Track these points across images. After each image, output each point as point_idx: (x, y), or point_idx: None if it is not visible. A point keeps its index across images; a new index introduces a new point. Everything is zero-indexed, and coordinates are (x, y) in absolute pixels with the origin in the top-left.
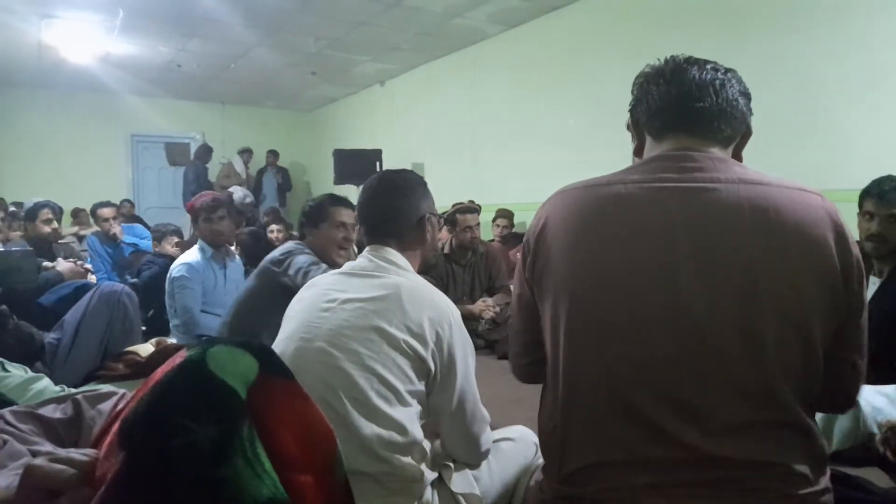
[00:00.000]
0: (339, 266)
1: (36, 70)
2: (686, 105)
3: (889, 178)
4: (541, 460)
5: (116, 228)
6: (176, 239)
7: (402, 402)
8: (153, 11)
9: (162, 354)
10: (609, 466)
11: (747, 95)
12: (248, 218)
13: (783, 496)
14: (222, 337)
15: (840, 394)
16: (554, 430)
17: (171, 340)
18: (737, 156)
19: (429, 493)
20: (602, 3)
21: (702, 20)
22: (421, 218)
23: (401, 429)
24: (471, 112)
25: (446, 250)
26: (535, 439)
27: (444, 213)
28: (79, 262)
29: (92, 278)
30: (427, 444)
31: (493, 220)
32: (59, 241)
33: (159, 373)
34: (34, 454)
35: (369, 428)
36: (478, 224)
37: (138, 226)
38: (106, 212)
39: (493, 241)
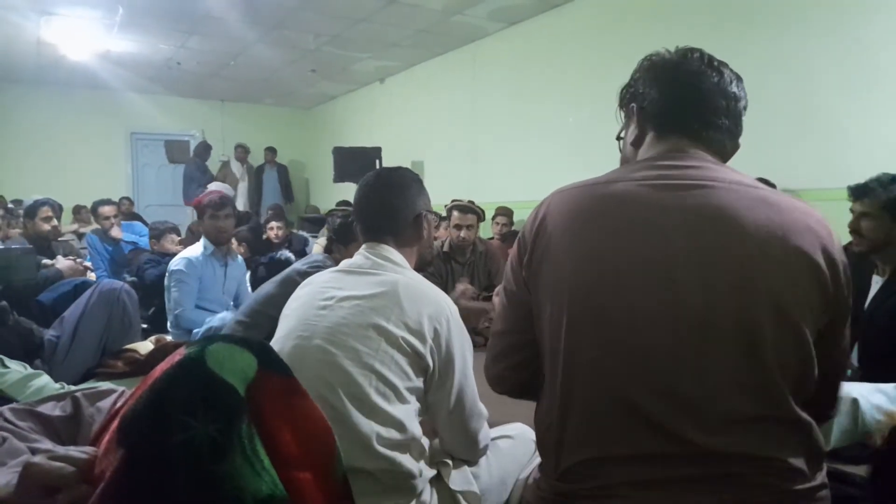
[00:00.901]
0: None
1: (35, 67)
2: (701, 115)
3: (876, 176)
4: (539, 458)
5: (116, 230)
6: (176, 237)
7: (401, 399)
8: (153, 8)
9: (161, 352)
10: (606, 461)
11: (745, 108)
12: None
13: (780, 491)
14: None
15: (831, 396)
16: (551, 426)
17: (171, 338)
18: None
19: (427, 490)
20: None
21: (701, 17)
22: (417, 215)
23: (399, 426)
24: (470, 110)
25: (445, 248)
26: (534, 437)
27: (446, 210)
28: (78, 260)
29: (91, 276)
30: (426, 442)
31: (493, 219)
32: (59, 239)
33: (158, 370)
34: (33, 451)
35: (368, 425)
36: (471, 226)
37: (137, 223)
38: (107, 210)
39: (492, 239)
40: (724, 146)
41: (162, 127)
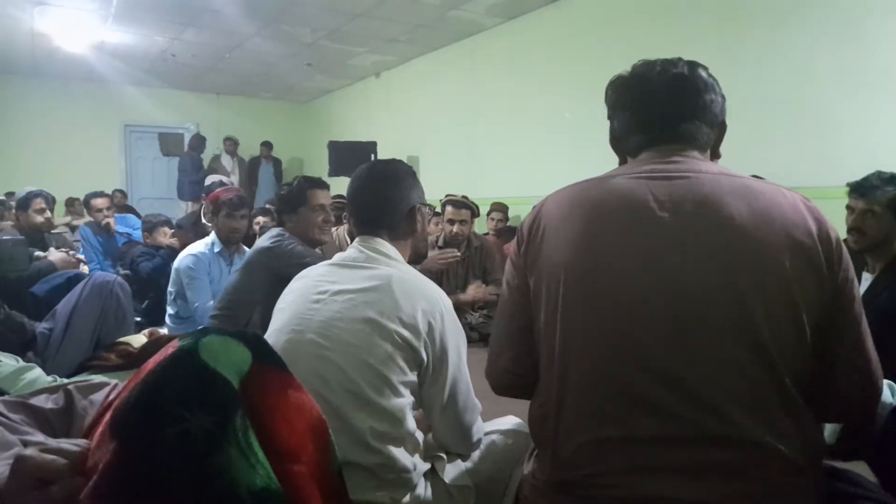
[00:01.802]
0: (325, 243)
1: (29, 59)
2: (672, 121)
3: (875, 173)
4: (533, 452)
5: (110, 219)
6: (168, 230)
7: (395, 394)
8: (148, 0)
9: (154, 345)
10: (602, 445)
11: (715, 88)
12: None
13: (778, 482)
14: (217, 326)
15: (848, 402)
16: (547, 416)
17: (165, 331)
18: (715, 153)
19: (422, 484)
20: None
21: (698, 13)
22: (411, 208)
23: (394, 420)
24: (466, 105)
25: (440, 243)
26: (528, 430)
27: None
28: (71, 252)
29: (84, 268)
30: (420, 436)
31: (488, 214)
32: (52, 231)
33: (151, 363)
34: (25, 444)
35: (362, 419)
36: (464, 221)
37: (131, 216)
38: (99, 202)
39: (487, 234)
40: (703, 139)
41: (156, 120)
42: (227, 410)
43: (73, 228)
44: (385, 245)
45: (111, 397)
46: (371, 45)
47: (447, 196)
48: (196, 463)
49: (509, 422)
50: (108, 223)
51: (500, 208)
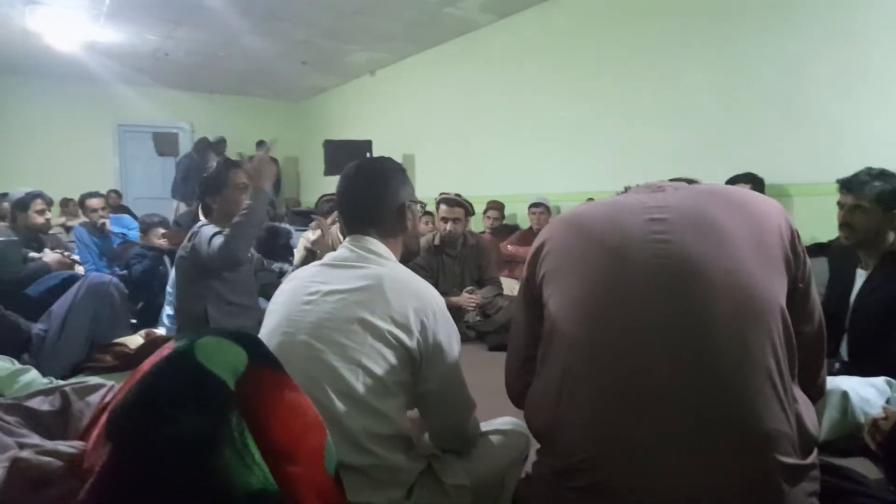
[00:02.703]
0: None
1: (20, 57)
2: None
3: (865, 169)
4: (533, 451)
5: (105, 220)
6: (161, 230)
7: (389, 394)
8: None
9: (151, 346)
10: (604, 440)
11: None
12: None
13: (775, 465)
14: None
15: (802, 371)
16: (547, 407)
17: (161, 332)
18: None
19: (418, 484)
20: None
21: (694, 12)
22: (401, 205)
23: (388, 420)
24: (462, 103)
25: (436, 242)
26: (527, 430)
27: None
28: (66, 253)
29: (79, 269)
30: (414, 436)
31: (484, 212)
32: (47, 232)
33: (147, 364)
34: (21, 446)
35: (356, 420)
36: (458, 219)
37: (126, 216)
38: (94, 202)
39: (483, 232)
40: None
41: (150, 119)
42: (222, 411)
43: (67, 229)
44: (376, 244)
45: (107, 399)
46: (366, 43)
47: (441, 194)
48: (192, 464)
49: (506, 422)
50: (103, 223)
51: (495, 206)
